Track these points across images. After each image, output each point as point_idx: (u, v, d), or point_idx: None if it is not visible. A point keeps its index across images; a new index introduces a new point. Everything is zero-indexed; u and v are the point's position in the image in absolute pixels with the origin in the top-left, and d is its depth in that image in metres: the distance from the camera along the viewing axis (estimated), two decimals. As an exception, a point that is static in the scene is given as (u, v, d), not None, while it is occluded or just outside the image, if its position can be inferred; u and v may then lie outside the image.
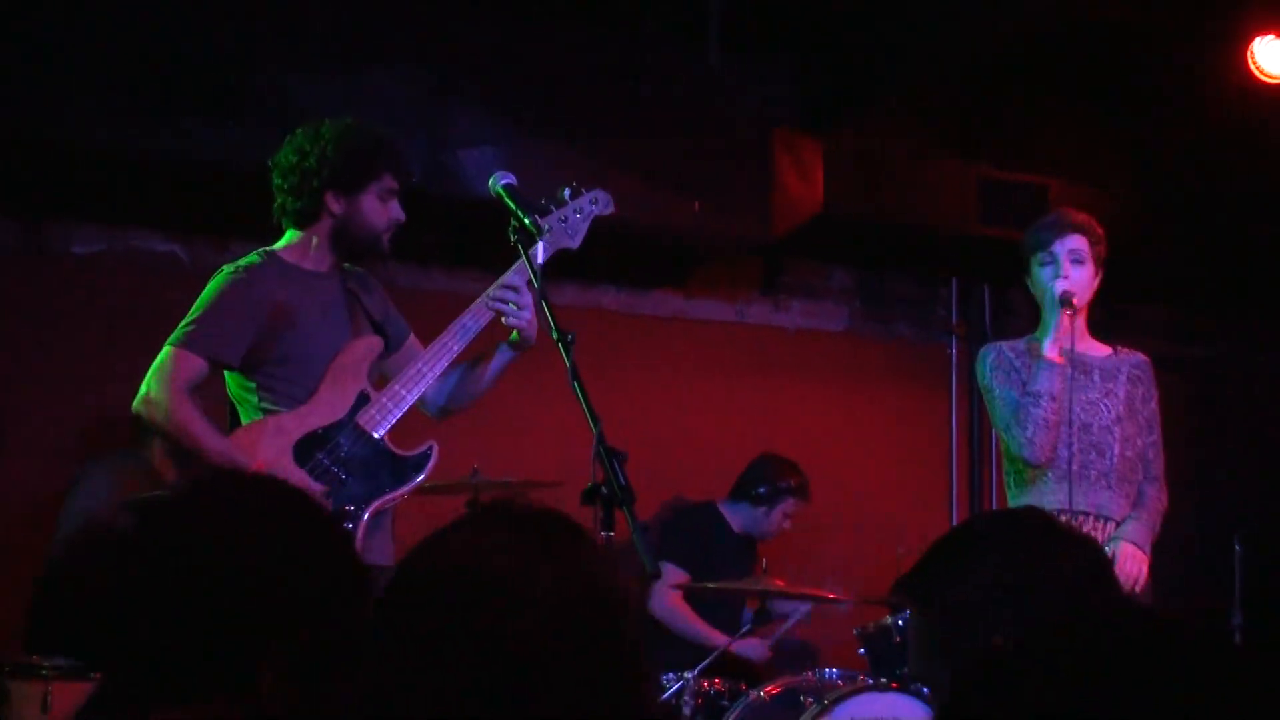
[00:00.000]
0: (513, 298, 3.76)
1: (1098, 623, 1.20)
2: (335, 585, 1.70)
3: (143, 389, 3.65)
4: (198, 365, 3.66)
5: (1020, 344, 4.39)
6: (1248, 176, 6.30)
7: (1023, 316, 6.08)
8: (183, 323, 3.70)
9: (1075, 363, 4.28)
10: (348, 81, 5.15)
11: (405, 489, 3.74)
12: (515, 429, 5.77)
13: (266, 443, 3.62)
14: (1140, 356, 4.43)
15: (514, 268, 3.78)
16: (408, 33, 5.37)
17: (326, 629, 1.62)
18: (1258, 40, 5.45)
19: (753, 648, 5.51)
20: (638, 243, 5.80)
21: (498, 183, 3.71)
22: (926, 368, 6.90)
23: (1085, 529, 4.15)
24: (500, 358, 3.88)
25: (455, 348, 3.80)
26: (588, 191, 3.93)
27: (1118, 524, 4.23)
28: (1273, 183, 6.24)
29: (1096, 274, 4.31)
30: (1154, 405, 4.39)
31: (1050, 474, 4.20)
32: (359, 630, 1.44)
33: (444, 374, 3.83)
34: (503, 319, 3.79)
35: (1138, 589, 4.12)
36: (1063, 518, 4.01)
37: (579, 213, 3.91)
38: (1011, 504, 4.36)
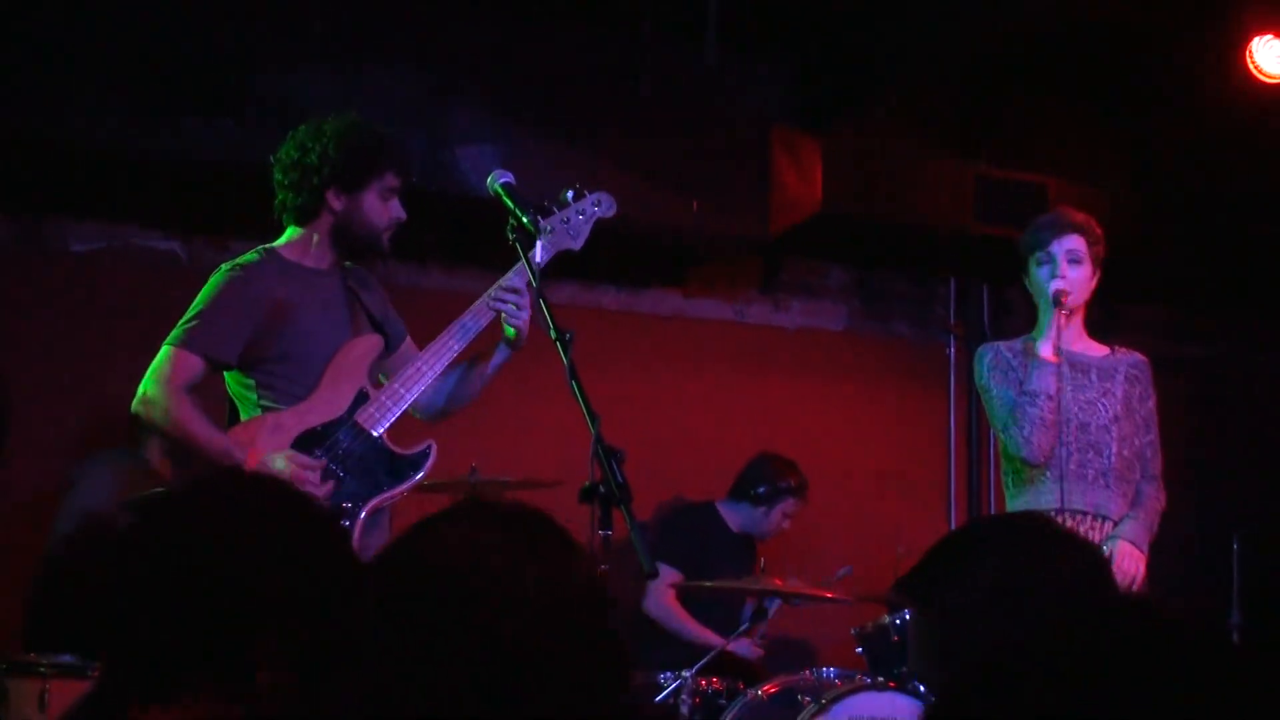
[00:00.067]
0: (514, 299, 3.77)
1: (1096, 623, 1.20)
2: (332, 583, 1.71)
3: (141, 389, 3.65)
4: (195, 364, 3.66)
5: (1017, 344, 4.40)
6: (1247, 176, 6.30)
7: (1021, 316, 6.07)
8: (180, 322, 3.70)
9: (1072, 362, 4.29)
10: (348, 81, 5.16)
11: (403, 487, 3.73)
12: (514, 428, 5.77)
13: (265, 439, 3.62)
14: (1138, 356, 4.44)
15: (515, 269, 3.79)
16: (408, 32, 5.37)
17: (323, 627, 1.63)
18: (1257, 40, 5.45)
19: (749, 647, 5.51)
20: (637, 242, 5.80)
21: (496, 181, 3.72)
22: (925, 367, 6.90)
23: (1083, 528, 4.16)
24: (499, 356, 3.89)
25: (456, 347, 3.80)
26: (591, 194, 3.94)
27: (1115, 523, 4.24)
28: (1272, 182, 6.24)
29: (1094, 274, 4.32)
30: (1151, 404, 4.40)
31: (1048, 473, 4.21)
32: (356, 628, 1.44)
33: (443, 374, 3.83)
34: (503, 319, 3.80)
35: (1134, 588, 4.12)
36: (1060, 517, 4.03)
37: (581, 214, 3.91)
38: (1009, 503, 4.37)
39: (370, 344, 3.85)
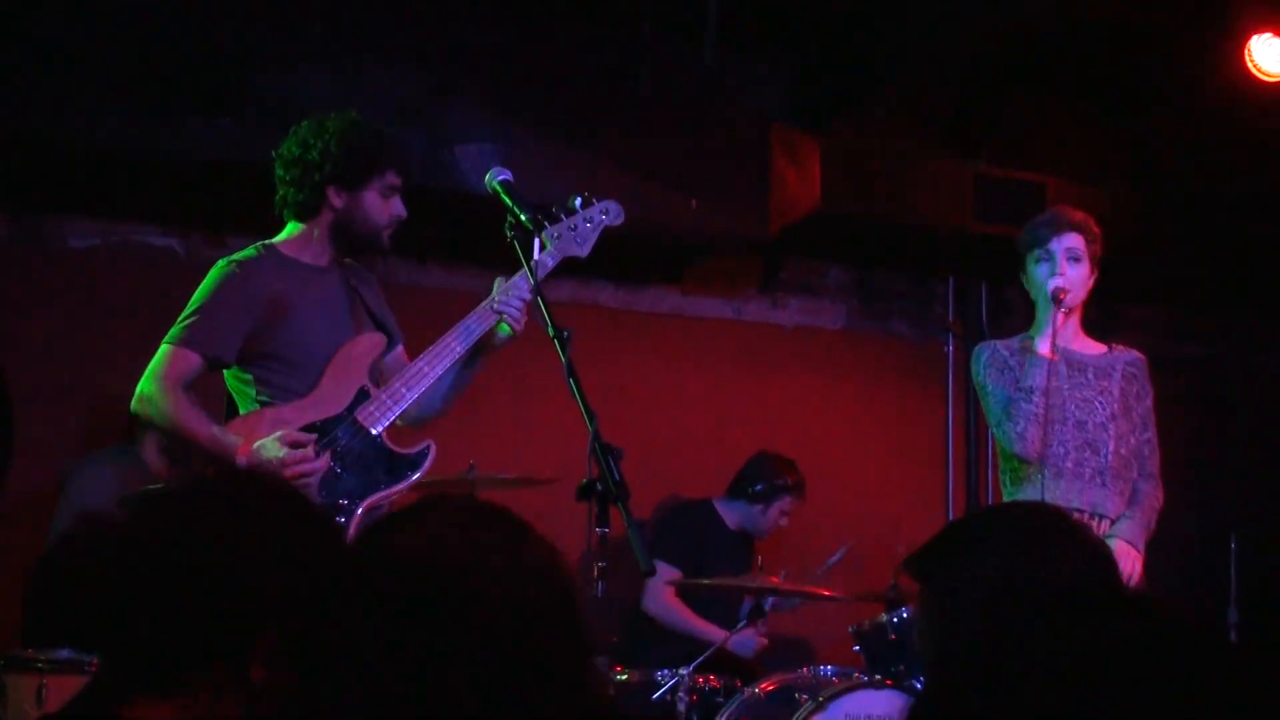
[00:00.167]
0: (520, 306, 3.77)
1: (1095, 622, 1.21)
2: (331, 582, 1.71)
3: (139, 388, 3.66)
4: (192, 361, 3.66)
5: (1014, 342, 4.41)
6: (1246, 176, 6.30)
7: (1020, 314, 6.07)
8: (179, 319, 3.70)
9: (1070, 360, 4.30)
10: (348, 81, 5.16)
11: (401, 486, 3.74)
12: (511, 425, 5.78)
13: (264, 433, 3.62)
14: (1135, 354, 4.44)
15: (520, 274, 3.78)
16: (408, 32, 5.38)
17: (322, 626, 1.63)
18: (1256, 39, 5.45)
19: (746, 645, 5.50)
20: (635, 240, 5.78)
21: (494, 179, 3.73)
22: (923, 365, 6.90)
23: (1080, 527, 4.16)
24: (490, 353, 3.89)
25: (458, 349, 3.80)
26: (599, 201, 3.96)
27: (1112, 521, 4.25)
28: (1272, 182, 6.24)
29: (1092, 272, 4.32)
30: (1149, 403, 4.41)
31: (1044, 471, 4.21)
32: (355, 628, 1.45)
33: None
34: (503, 321, 3.80)
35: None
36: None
37: (589, 221, 3.92)
38: (1007, 501, 4.37)
39: (373, 342, 3.86)
